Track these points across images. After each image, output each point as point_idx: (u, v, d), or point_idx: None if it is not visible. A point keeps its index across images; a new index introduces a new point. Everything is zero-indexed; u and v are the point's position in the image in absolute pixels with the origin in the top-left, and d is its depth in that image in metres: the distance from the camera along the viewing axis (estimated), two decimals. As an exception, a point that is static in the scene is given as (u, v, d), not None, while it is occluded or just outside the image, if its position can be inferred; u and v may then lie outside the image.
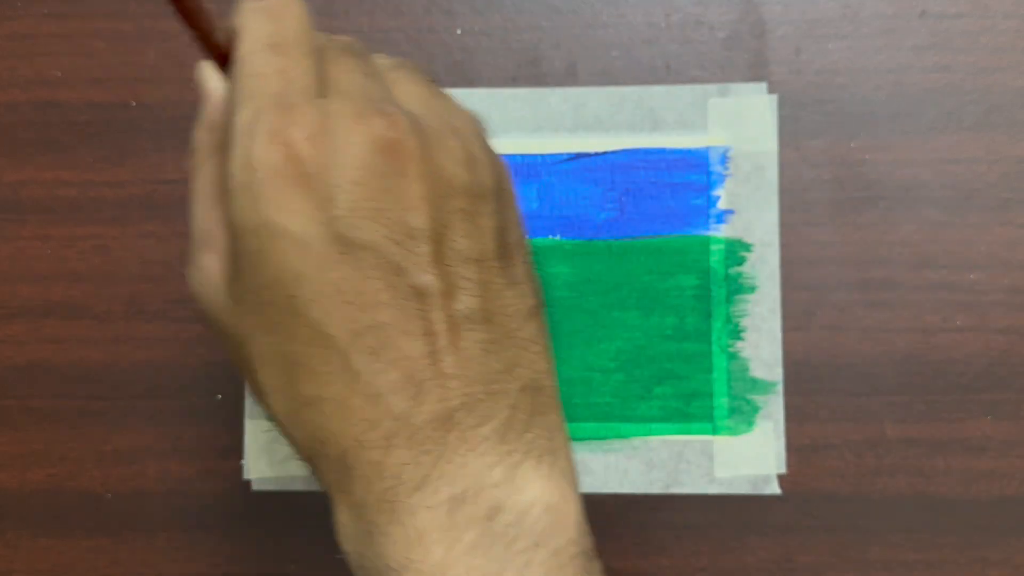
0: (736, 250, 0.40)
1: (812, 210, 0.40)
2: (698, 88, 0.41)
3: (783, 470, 0.39)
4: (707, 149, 0.40)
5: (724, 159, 0.40)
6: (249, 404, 0.40)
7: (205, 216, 0.26)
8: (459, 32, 0.41)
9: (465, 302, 0.25)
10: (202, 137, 0.27)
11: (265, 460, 0.40)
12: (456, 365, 0.25)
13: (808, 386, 0.39)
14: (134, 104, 0.41)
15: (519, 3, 0.41)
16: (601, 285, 0.40)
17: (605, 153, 0.40)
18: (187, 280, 0.27)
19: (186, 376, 0.40)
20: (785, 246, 0.40)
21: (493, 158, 0.27)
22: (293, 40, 0.26)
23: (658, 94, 0.41)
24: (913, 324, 0.40)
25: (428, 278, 0.24)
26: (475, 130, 0.28)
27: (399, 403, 0.24)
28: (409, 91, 0.27)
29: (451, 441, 0.24)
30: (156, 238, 0.41)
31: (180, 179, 0.41)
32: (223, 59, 0.26)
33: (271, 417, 0.26)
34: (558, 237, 0.40)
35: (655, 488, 0.39)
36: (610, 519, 0.39)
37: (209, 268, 0.26)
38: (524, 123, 0.41)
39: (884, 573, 0.39)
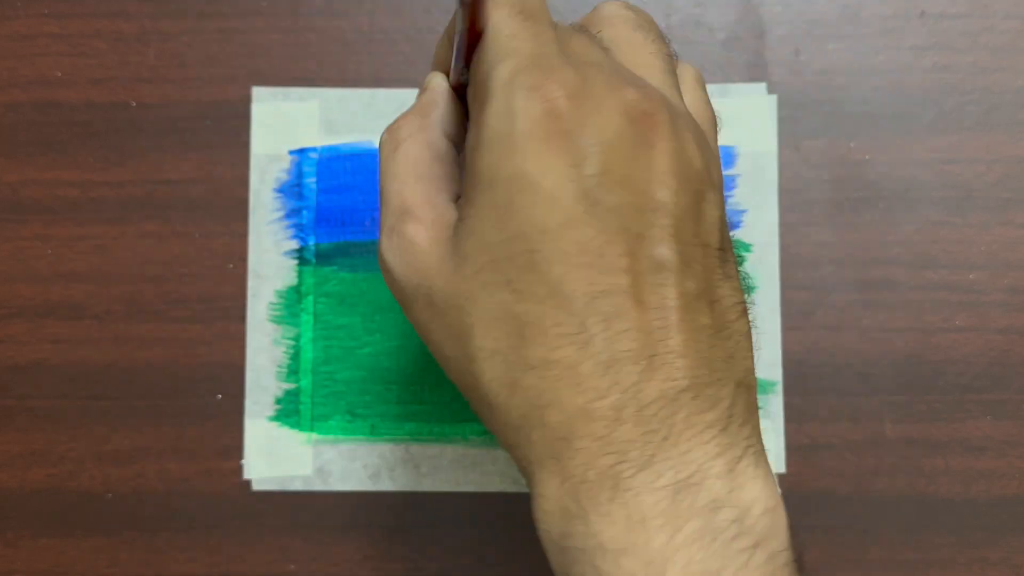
0: (736, 250, 0.40)
1: (812, 210, 0.40)
2: (698, 88, 0.40)
3: (783, 470, 0.39)
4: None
5: (731, 159, 0.40)
6: (249, 404, 0.40)
7: (407, 190, 0.27)
8: (459, 32, 0.41)
9: (695, 283, 0.25)
10: (408, 120, 0.28)
11: (265, 460, 0.40)
12: (685, 344, 0.24)
13: (807, 386, 0.39)
14: (134, 104, 0.41)
15: (519, 3, 0.41)
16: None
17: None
18: (382, 252, 0.27)
19: (186, 376, 0.40)
20: (785, 246, 0.40)
21: (719, 155, 0.27)
22: (540, 10, 0.26)
23: (658, 94, 0.40)
24: (913, 324, 0.40)
25: (667, 251, 0.24)
26: (712, 122, 0.28)
27: (630, 375, 0.24)
28: (653, 72, 0.27)
29: (677, 424, 0.24)
30: (156, 238, 0.41)
31: (180, 179, 0.41)
32: (472, 36, 0.27)
33: (471, 387, 0.26)
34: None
35: (655, 488, 0.39)
36: (610, 519, 0.39)
37: (414, 236, 0.26)
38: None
39: (883, 573, 0.39)
